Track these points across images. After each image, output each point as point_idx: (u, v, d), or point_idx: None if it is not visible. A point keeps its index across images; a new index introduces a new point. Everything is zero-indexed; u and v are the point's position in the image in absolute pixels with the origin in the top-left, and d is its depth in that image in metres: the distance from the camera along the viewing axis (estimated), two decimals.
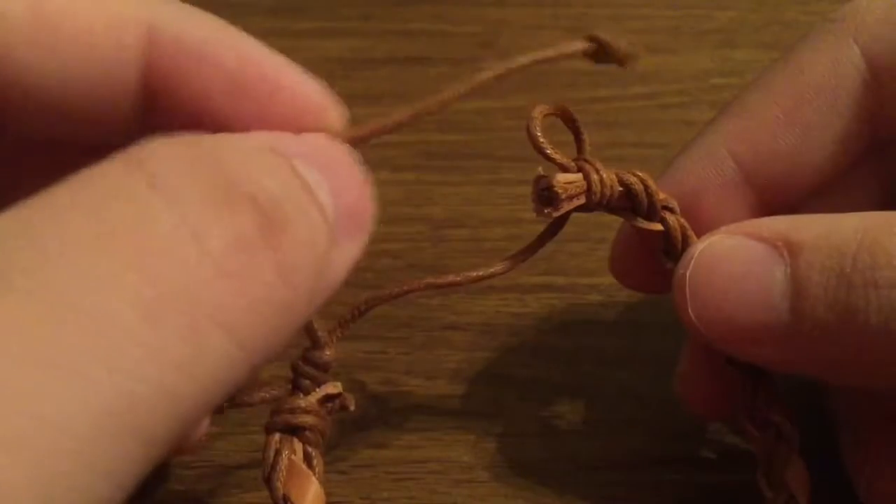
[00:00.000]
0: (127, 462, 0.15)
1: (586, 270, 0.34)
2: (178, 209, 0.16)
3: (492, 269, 0.25)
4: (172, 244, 0.16)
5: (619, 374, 0.31)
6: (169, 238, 0.16)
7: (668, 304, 0.32)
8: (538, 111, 0.24)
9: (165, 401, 0.15)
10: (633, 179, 0.25)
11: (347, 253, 0.20)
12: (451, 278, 0.26)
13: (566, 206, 0.24)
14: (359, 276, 0.28)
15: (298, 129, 0.21)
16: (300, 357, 0.25)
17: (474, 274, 0.25)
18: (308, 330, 0.24)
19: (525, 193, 0.36)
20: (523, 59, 0.23)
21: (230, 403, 0.24)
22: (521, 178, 0.37)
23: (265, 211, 0.17)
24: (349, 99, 0.39)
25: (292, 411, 0.24)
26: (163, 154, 0.17)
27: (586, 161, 0.25)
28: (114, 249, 0.15)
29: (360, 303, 0.25)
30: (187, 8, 0.22)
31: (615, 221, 0.28)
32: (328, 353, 0.25)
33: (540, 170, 0.25)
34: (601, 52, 0.23)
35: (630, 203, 0.25)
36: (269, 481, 0.23)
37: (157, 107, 0.21)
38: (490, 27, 0.43)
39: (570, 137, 0.25)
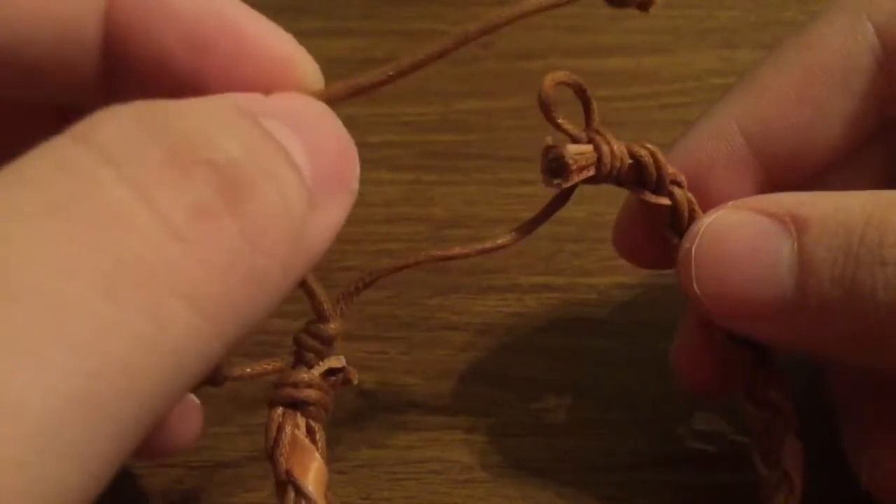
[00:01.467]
0: (96, 446, 0.14)
1: (586, 270, 0.34)
2: (128, 178, 0.15)
3: (498, 241, 0.25)
4: (125, 214, 0.15)
5: (618, 374, 0.31)
6: (121, 208, 0.15)
7: (667, 303, 0.32)
8: (550, 80, 0.24)
9: (130, 378, 0.14)
10: (643, 152, 0.25)
11: (331, 215, 0.18)
12: (456, 250, 0.25)
13: (576, 178, 0.24)
14: (360, 276, 0.28)
15: (268, 83, 0.20)
16: (303, 329, 0.24)
17: (479, 246, 0.25)
18: (313, 302, 0.24)
19: (525, 193, 0.36)
20: (524, 7, 0.22)
21: (230, 376, 0.24)
22: (521, 178, 0.37)
23: (225, 175, 0.16)
24: (349, 99, 0.39)
25: (295, 385, 0.24)
26: (111, 124, 0.16)
27: (597, 132, 0.25)
28: (65, 223, 0.15)
29: (364, 275, 0.25)
30: None
31: (614, 221, 0.28)
32: (333, 325, 0.24)
33: (549, 139, 0.24)
34: None
35: (638, 176, 0.25)
36: (271, 456, 0.23)
37: (119, 66, 0.20)
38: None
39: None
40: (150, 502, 0.28)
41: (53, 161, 0.15)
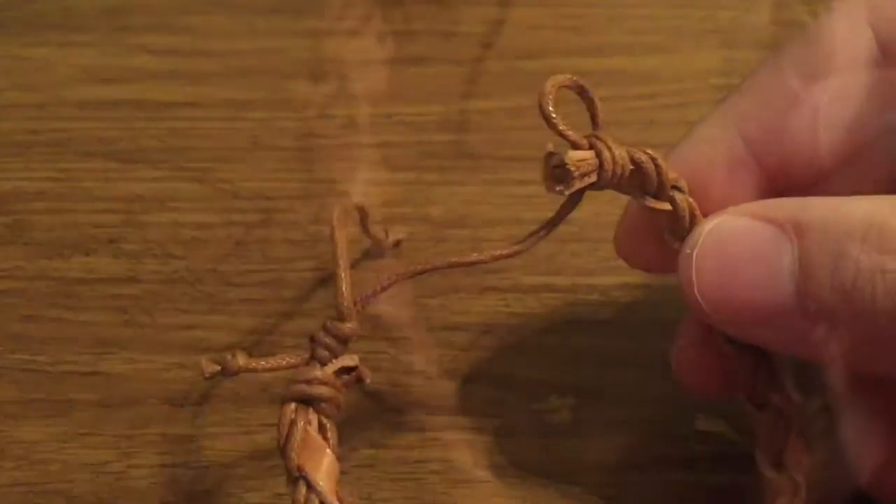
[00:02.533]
0: None
1: (586, 270, 0.34)
2: None
3: (515, 247, 0.25)
4: None
5: (619, 374, 0.31)
6: None
7: (667, 304, 0.32)
8: (551, 84, 0.24)
9: None
10: (644, 157, 0.25)
11: None
12: (474, 256, 0.26)
13: (578, 184, 0.24)
14: (360, 277, 0.28)
15: None
16: (320, 327, 0.25)
17: (497, 252, 0.25)
18: (338, 299, 0.24)
19: (525, 193, 0.36)
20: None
21: (245, 367, 0.24)
22: (521, 178, 0.37)
23: None
24: (349, 99, 0.39)
25: (308, 382, 0.24)
26: None
27: (598, 138, 0.25)
28: None
29: (383, 278, 0.25)
30: None
31: (615, 221, 0.28)
32: (350, 325, 0.25)
33: (550, 146, 0.24)
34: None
35: (640, 181, 0.25)
36: (283, 452, 0.23)
37: None
38: (490, 27, 0.43)
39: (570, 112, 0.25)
40: (149, 502, 0.28)
41: None
